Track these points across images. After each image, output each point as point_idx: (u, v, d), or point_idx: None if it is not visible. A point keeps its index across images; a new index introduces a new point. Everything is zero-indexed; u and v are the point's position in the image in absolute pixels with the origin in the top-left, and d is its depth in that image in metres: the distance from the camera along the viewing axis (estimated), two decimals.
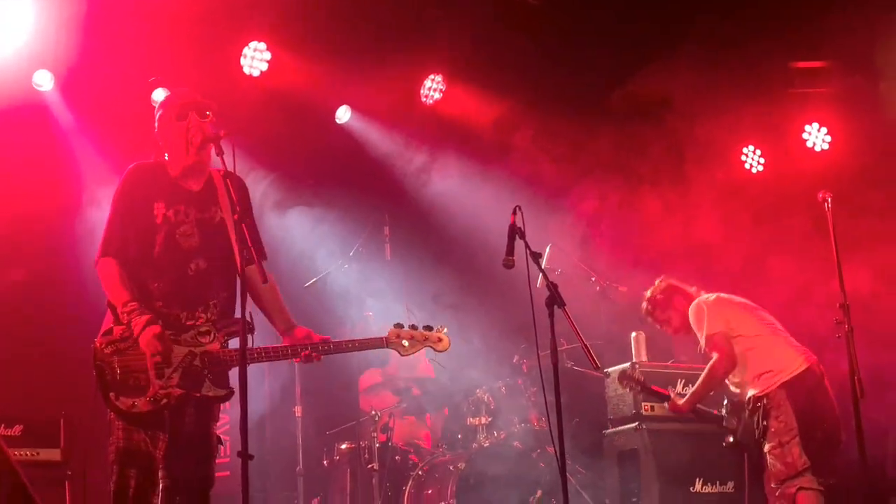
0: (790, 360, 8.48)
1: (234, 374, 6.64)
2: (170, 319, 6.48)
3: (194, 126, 6.69)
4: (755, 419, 8.55)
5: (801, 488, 8.19)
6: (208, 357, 6.55)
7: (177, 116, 6.71)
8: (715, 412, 8.87)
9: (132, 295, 6.44)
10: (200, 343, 6.56)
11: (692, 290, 9.07)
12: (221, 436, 10.52)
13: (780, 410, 8.36)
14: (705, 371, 8.66)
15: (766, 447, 8.39)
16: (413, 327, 6.98)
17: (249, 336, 6.50)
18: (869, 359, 8.15)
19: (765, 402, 8.45)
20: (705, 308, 8.78)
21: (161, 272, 6.58)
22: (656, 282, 9.28)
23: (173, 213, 6.66)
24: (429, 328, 7.00)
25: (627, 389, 9.33)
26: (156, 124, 6.85)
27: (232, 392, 6.64)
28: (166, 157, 6.83)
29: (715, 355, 8.56)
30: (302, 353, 6.76)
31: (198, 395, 6.54)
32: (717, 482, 9.38)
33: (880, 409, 9.63)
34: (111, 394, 6.34)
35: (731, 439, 8.74)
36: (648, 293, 9.27)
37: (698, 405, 8.81)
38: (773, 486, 8.37)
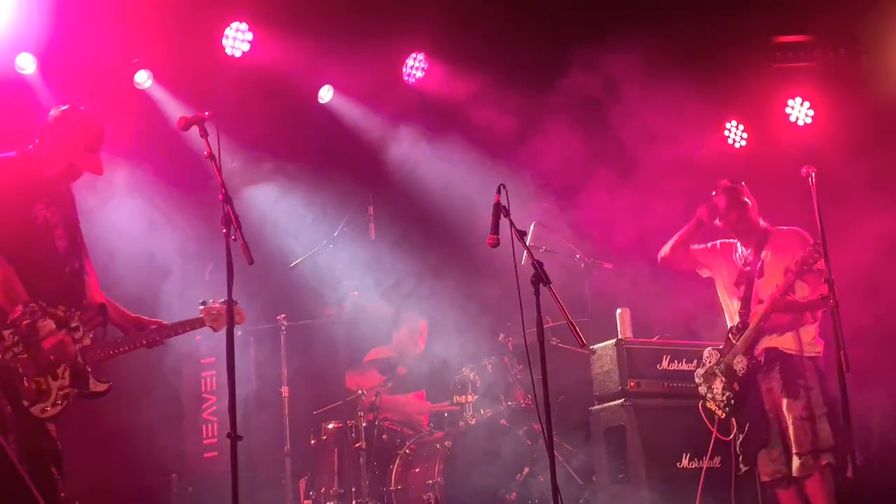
0: (818, 342, 8.48)
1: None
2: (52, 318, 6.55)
3: (97, 164, 6.93)
4: (780, 368, 8.52)
5: (829, 464, 8.20)
6: (86, 353, 6.69)
7: (88, 147, 6.88)
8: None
9: (30, 295, 6.46)
10: (75, 340, 6.65)
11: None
12: (208, 417, 10.65)
13: (810, 381, 8.34)
14: (810, 299, 8.47)
15: (794, 412, 8.36)
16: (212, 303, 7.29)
17: (102, 327, 6.86)
18: (853, 332, 8.17)
19: (793, 361, 8.44)
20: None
21: (44, 273, 6.64)
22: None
23: (51, 213, 6.73)
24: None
25: None
26: (54, 124, 6.88)
27: (110, 386, 6.82)
28: (32, 147, 6.89)
29: (820, 295, 8.15)
30: (142, 343, 7.05)
31: (87, 392, 6.72)
32: (703, 457, 9.43)
33: (866, 384, 9.69)
34: (24, 402, 6.36)
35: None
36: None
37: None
38: (796, 451, 8.35)
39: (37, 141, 6.90)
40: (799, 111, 12.68)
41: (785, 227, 8.74)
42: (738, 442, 8.70)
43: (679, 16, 11.51)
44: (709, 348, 8.98)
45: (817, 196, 8.25)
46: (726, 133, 12.95)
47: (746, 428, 8.61)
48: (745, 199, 8.99)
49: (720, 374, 8.74)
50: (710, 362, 8.87)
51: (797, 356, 8.49)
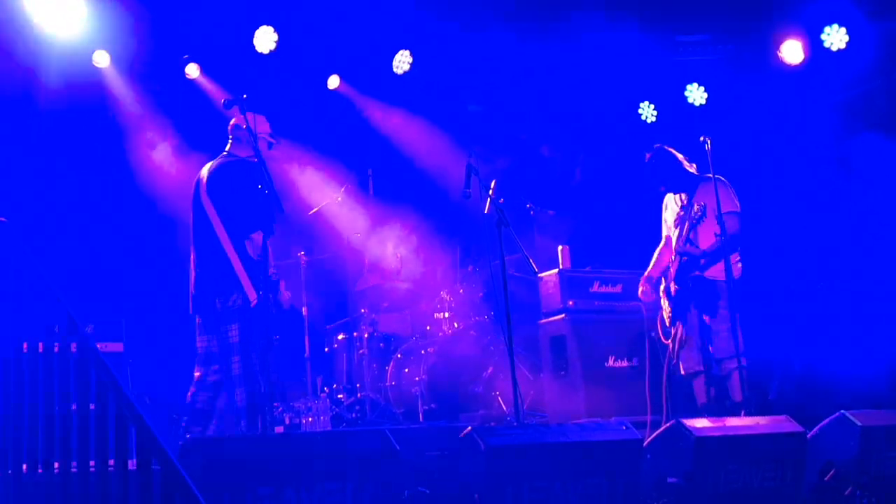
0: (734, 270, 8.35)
1: None
2: None
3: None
4: (702, 292, 8.35)
5: (741, 366, 8.04)
6: None
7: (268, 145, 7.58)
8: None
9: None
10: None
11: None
12: None
13: (726, 302, 8.15)
14: (731, 237, 8.21)
15: (713, 326, 8.26)
16: None
17: None
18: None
19: (712, 286, 8.28)
20: None
21: None
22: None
23: None
24: None
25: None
26: (251, 129, 7.16)
27: None
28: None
29: (733, 230, 8.14)
30: None
31: None
32: (626, 358, 9.40)
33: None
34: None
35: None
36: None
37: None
38: (715, 357, 8.24)
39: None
40: (696, 93, 12.53)
41: (710, 176, 8.27)
42: (675, 343, 8.54)
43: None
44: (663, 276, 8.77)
45: (711, 157, 8.20)
46: (640, 111, 12.82)
47: (678, 334, 8.47)
48: (666, 159, 8.70)
49: (664, 295, 8.62)
50: (662, 285, 8.69)
51: (715, 282, 8.36)
